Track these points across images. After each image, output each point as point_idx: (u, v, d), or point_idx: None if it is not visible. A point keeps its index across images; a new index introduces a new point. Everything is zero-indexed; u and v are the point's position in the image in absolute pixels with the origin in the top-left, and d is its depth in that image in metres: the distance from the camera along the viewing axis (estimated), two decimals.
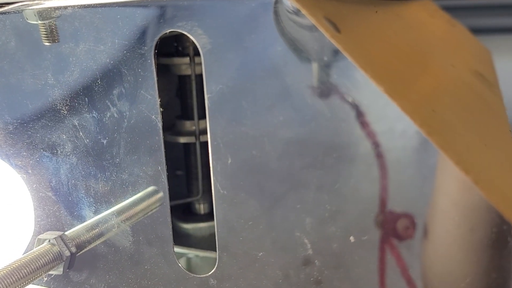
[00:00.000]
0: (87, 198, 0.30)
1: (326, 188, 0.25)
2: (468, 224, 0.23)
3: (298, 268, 0.26)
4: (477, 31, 0.44)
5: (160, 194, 0.28)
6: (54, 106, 0.29)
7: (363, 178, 0.24)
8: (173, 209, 0.29)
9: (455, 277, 0.24)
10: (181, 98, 0.36)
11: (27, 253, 0.27)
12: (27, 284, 0.26)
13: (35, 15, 0.27)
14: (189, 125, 0.36)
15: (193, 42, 0.34)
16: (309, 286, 0.26)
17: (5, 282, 0.25)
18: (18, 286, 0.25)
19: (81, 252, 0.29)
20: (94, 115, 0.28)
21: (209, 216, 0.38)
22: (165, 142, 0.28)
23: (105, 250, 0.30)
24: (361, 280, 0.25)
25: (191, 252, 0.35)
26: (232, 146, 0.26)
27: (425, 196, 0.23)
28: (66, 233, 0.28)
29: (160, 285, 0.30)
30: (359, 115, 0.23)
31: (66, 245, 0.28)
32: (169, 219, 0.28)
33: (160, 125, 0.27)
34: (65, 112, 0.28)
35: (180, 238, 0.35)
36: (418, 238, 0.24)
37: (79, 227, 0.29)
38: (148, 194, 0.29)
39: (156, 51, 0.26)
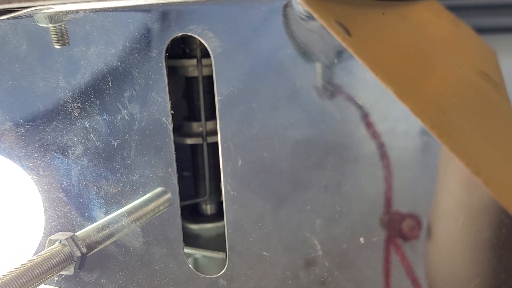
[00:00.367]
0: (97, 199, 0.30)
1: (336, 189, 0.25)
2: (476, 225, 0.23)
3: (307, 269, 0.27)
4: (482, 30, 0.45)
5: (169, 195, 0.29)
6: (65, 109, 0.29)
7: (373, 178, 0.24)
8: (181, 209, 0.29)
9: (461, 278, 0.24)
10: (188, 99, 0.36)
11: (38, 254, 0.27)
12: (39, 285, 0.26)
13: (46, 18, 0.27)
14: (196, 127, 0.36)
15: (200, 44, 0.34)
16: (318, 287, 0.27)
17: (18, 282, 0.25)
18: (30, 286, 0.25)
19: (91, 253, 0.29)
20: (105, 117, 0.28)
21: (216, 217, 0.38)
22: None
23: (116, 250, 0.31)
24: (369, 280, 0.26)
25: (198, 253, 0.35)
26: (242, 148, 0.26)
27: (431, 196, 0.23)
28: (77, 233, 0.29)
29: (170, 285, 0.30)
30: (366, 115, 0.23)
31: (77, 245, 0.28)
32: (179, 220, 0.29)
33: (170, 127, 0.27)
34: (76, 114, 0.29)
35: (187, 239, 0.35)
36: (423, 238, 0.24)
37: (89, 227, 0.30)
38: (156, 195, 0.29)
39: (167, 54, 0.26)
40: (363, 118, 0.24)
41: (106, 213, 0.30)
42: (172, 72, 0.34)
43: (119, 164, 0.29)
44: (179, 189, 0.29)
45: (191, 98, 0.36)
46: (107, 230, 0.30)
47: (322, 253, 0.26)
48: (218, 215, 0.38)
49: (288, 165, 0.25)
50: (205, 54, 0.34)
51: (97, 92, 0.28)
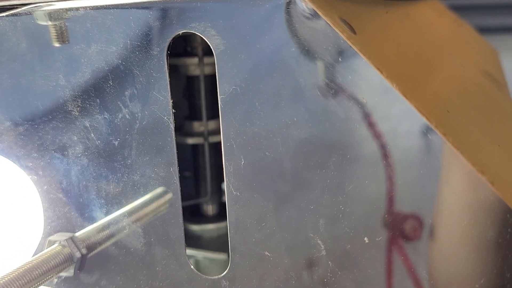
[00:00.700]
0: (98, 199, 0.30)
1: (340, 188, 0.25)
2: (481, 224, 0.23)
3: (311, 269, 0.26)
4: (484, 30, 0.45)
5: (170, 195, 0.28)
6: (65, 108, 0.29)
7: (376, 178, 0.24)
8: (182, 210, 0.29)
9: (465, 278, 0.24)
10: (189, 98, 0.36)
11: (37, 255, 0.27)
12: (38, 286, 0.26)
13: (45, 16, 0.27)
14: (197, 126, 0.36)
15: (202, 42, 0.34)
16: (322, 287, 0.26)
17: (17, 284, 0.25)
18: (29, 287, 0.25)
19: (91, 254, 0.29)
20: (106, 116, 0.28)
21: (217, 218, 0.38)
22: None
23: (116, 251, 0.30)
24: (372, 280, 0.25)
25: (200, 254, 0.35)
26: (245, 147, 0.26)
27: (435, 196, 0.23)
28: (76, 234, 0.28)
29: (172, 286, 0.30)
30: (369, 115, 0.23)
31: (77, 246, 0.28)
32: (181, 220, 0.28)
33: (172, 126, 0.27)
34: (77, 113, 0.28)
35: (188, 240, 0.35)
36: (426, 238, 0.24)
37: (89, 228, 0.29)
38: (157, 195, 0.29)
39: (169, 52, 0.26)
40: (366, 117, 0.23)
41: (107, 214, 0.30)
42: (173, 71, 0.34)
43: (119, 164, 0.28)
44: (180, 189, 0.28)
45: (192, 97, 0.36)
46: (108, 231, 0.30)
47: (326, 253, 0.26)
48: (220, 216, 0.38)
49: (291, 164, 0.25)
50: (207, 52, 0.34)
51: (98, 90, 0.27)
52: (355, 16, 0.24)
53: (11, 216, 0.31)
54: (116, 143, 0.28)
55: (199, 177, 0.38)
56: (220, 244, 0.36)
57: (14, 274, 0.25)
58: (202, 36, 0.25)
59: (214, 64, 0.25)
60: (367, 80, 0.23)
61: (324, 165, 0.25)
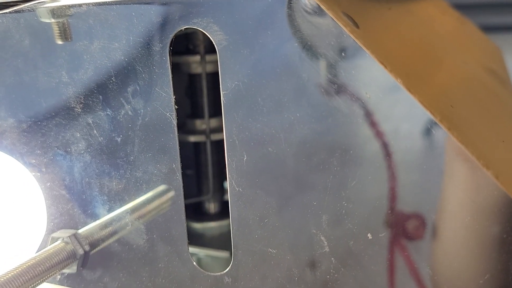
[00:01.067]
0: (100, 196, 0.30)
1: (343, 184, 0.25)
2: (485, 220, 0.23)
3: (314, 266, 0.26)
4: (487, 29, 0.44)
5: (172, 192, 0.28)
6: (68, 104, 0.29)
7: (379, 174, 0.24)
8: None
9: (470, 274, 0.24)
10: (192, 96, 0.36)
11: (41, 252, 0.26)
12: (41, 283, 0.26)
13: (48, 13, 0.27)
14: (199, 124, 0.35)
15: (204, 40, 0.34)
16: (324, 284, 0.26)
17: (20, 280, 0.25)
18: (32, 284, 0.25)
19: (94, 250, 0.29)
20: (109, 113, 0.28)
21: (219, 215, 0.38)
22: None
23: (119, 248, 0.30)
24: (375, 278, 0.25)
25: (202, 252, 0.35)
26: (247, 143, 0.26)
27: (438, 193, 0.23)
28: (79, 231, 0.28)
29: (174, 283, 0.30)
30: (372, 111, 0.23)
31: (79, 243, 0.28)
32: (183, 217, 0.28)
33: (174, 122, 0.27)
34: (79, 110, 0.28)
35: (190, 238, 0.35)
36: (429, 236, 0.24)
37: (92, 225, 0.29)
38: (160, 193, 0.29)
39: (171, 48, 0.26)
40: (369, 114, 0.23)
41: (109, 210, 0.30)
42: (175, 69, 0.34)
43: (122, 160, 0.28)
44: (183, 187, 0.28)
45: (194, 95, 0.36)
46: (110, 228, 0.30)
47: (329, 249, 0.26)
48: (222, 214, 0.38)
49: (294, 160, 0.25)
50: (209, 50, 0.34)
51: (100, 87, 0.27)
52: (358, 11, 0.24)
53: (14, 213, 0.32)
54: (119, 139, 0.28)
55: (201, 175, 0.38)
56: (222, 242, 0.36)
57: (17, 270, 0.25)
58: (204, 32, 0.25)
59: (216, 61, 0.25)
60: (371, 75, 0.23)
61: (327, 161, 0.25)
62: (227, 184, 0.27)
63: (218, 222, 0.37)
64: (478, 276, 0.23)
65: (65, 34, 0.27)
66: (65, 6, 0.27)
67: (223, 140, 0.26)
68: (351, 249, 0.25)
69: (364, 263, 0.25)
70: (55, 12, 0.27)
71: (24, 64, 0.29)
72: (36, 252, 0.26)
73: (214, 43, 0.25)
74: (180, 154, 0.27)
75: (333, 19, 0.22)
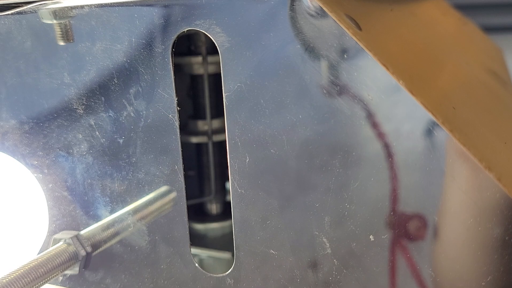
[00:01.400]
0: (102, 197, 0.30)
1: (345, 186, 0.25)
2: (487, 222, 0.23)
3: (316, 268, 0.26)
4: (488, 29, 0.44)
5: (174, 194, 0.28)
6: (70, 106, 0.29)
7: (381, 176, 0.24)
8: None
9: (471, 276, 0.24)
10: (193, 97, 0.36)
11: (43, 253, 0.26)
12: (43, 284, 0.26)
13: (50, 14, 0.27)
14: (201, 125, 0.36)
15: (206, 41, 0.34)
16: (326, 286, 0.26)
17: (22, 281, 0.25)
18: (34, 285, 0.25)
19: (96, 252, 0.29)
20: (111, 114, 0.28)
21: (221, 217, 0.38)
22: None
23: (121, 249, 0.30)
24: (377, 279, 0.25)
25: (204, 253, 0.35)
26: (250, 145, 0.26)
27: (439, 195, 0.23)
28: (81, 232, 0.28)
29: (176, 284, 0.30)
30: (374, 113, 0.23)
31: (81, 244, 0.28)
32: (185, 218, 0.28)
33: (177, 124, 0.27)
34: (81, 111, 0.28)
35: (192, 239, 0.35)
36: (430, 237, 0.24)
37: (94, 226, 0.29)
38: (162, 194, 0.29)
39: (174, 50, 0.26)
40: (371, 115, 0.23)
41: (111, 212, 0.30)
42: (177, 70, 0.34)
43: (124, 162, 0.28)
44: (185, 188, 0.28)
45: (196, 96, 0.36)
46: (112, 229, 0.30)
47: (331, 251, 0.26)
48: (224, 215, 0.38)
49: (296, 162, 0.25)
50: (211, 51, 0.34)
51: (103, 88, 0.27)
52: (361, 13, 0.24)
53: (16, 214, 0.32)
54: (121, 141, 0.28)
55: (203, 176, 0.38)
56: (224, 243, 0.36)
57: (19, 272, 0.25)
58: (207, 33, 0.25)
59: (218, 63, 0.25)
60: (373, 77, 0.23)
61: (329, 162, 0.25)
62: (229, 185, 0.27)
63: (220, 223, 0.37)
64: (480, 277, 0.23)
65: (67, 35, 0.27)
66: (67, 7, 0.27)
67: (225, 141, 0.26)
68: (353, 251, 0.25)
69: (366, 264, 0.25)
70: (57, 14, 0.27)
71: (26, 66, 0.29)
72: (38, 254, 0.26)
73: (216, 44, 0.25)
74: (182, 155, 0.27)
75: (335, 21, 0.22)
